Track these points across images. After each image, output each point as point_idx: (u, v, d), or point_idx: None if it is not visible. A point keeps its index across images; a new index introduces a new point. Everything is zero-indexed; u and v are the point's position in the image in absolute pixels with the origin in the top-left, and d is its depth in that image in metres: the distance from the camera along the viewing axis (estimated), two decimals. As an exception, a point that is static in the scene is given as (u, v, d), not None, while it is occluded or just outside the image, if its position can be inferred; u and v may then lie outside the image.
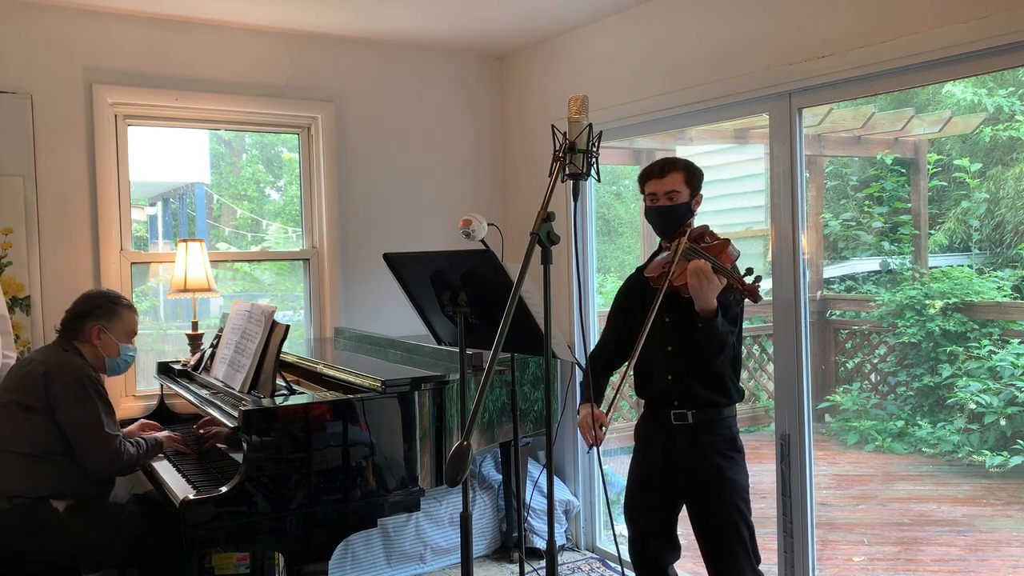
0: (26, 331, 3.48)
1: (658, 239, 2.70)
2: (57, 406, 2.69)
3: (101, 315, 2.89)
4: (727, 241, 2.50)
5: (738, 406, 2.67)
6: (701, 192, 2.65)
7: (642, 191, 2.67)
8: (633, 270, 2.83)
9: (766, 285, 2.82)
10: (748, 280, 2.33)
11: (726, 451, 2.57)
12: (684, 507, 2.67)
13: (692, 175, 2.62)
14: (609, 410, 2.50)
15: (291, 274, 4.68)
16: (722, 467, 2.55)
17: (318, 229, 4.22)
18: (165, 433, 3.08)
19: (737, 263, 2.45)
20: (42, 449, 2.69)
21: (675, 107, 3.56)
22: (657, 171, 2.61)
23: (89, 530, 2.71)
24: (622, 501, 2.79)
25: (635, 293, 2.69)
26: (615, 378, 2.79)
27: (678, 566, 2.77)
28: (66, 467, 2.71)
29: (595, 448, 2.48)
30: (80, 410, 2.70)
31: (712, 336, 2.42)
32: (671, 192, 2.58)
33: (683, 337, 2.54)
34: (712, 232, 2.57)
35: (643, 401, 2.75)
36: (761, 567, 2.60)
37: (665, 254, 2.59)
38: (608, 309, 2.88)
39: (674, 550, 2.72)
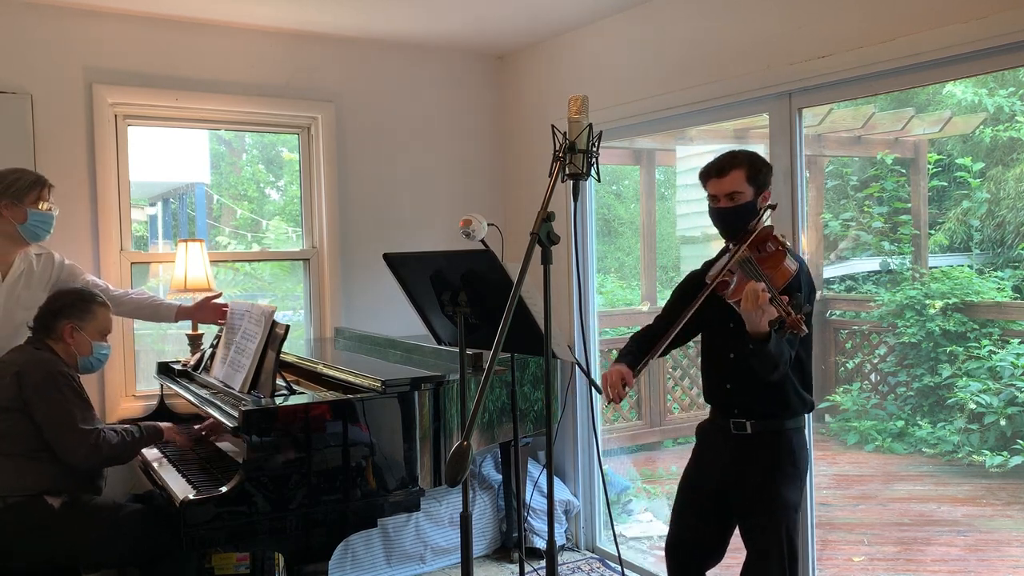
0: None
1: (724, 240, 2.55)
2: (31, 404, 2.68)
3: (74, 313, 2.85)
4: (783, 253, 2.28)
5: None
6: (769, 188, 2.46)
7: (704, 188, 2.49)
8: (634, 270, 2.81)
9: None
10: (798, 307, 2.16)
11: (784, 466, 2.44)
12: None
13: (756, 171, 2.42)
14: (637, 374, 2.43)
15: (291, 274, 4.68)
16: (776, 483, 2.42)
17: (318, 229, 4.22)
18: (168, 424, 3.07)
19: (797, 278, 2.30)
20: (25, 448, 2.69)
21: (675, 107, 3.56)
22: (716, 171, 2.44)
23: (89, 530, 2.71)
24: (622, 501, 2.78)
25: (692, 292, 2.49)
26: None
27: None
28: (53, 463, 2.71)
29: (611, 405, 2.39)
30: (53, 407, 2.69)
31: (763, 358, 2.24)
32: (732, 193, 2.40)
33: (745, 348, 2.33)
34: (775, 236, 2.34)
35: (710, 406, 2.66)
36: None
37: (726, 258, 2.42)
38: (609, 309, 2.85)
39: (717, 554, 2.63)
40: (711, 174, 2.45)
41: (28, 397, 2.68)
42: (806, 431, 2.58)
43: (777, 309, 2.14)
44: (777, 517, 2.41)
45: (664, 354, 2.53)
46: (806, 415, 2.53)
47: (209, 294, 3.47)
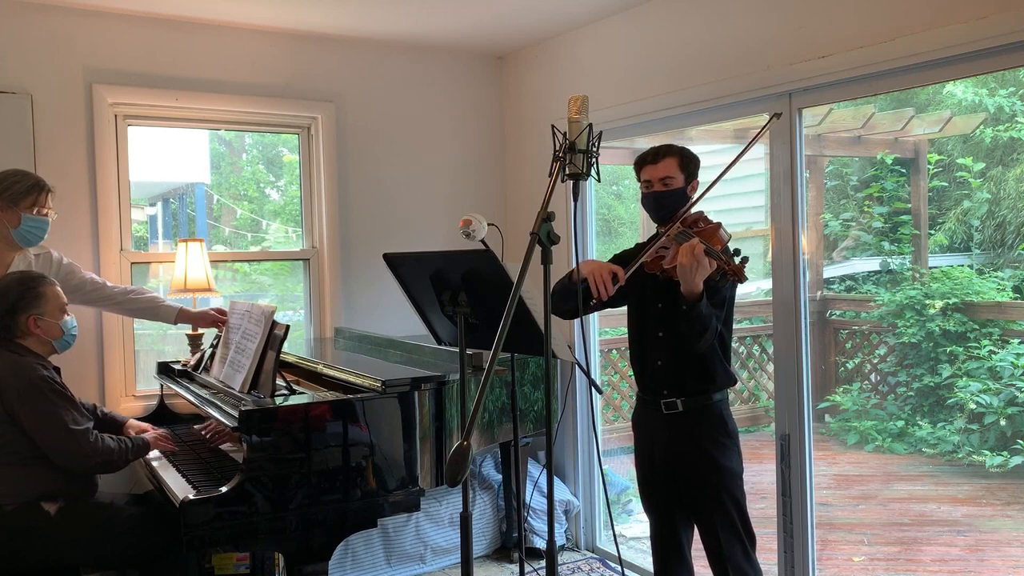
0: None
1: (655, 227, 2.70)
2: (17, 416, 2.64)
3: (28, 305, 2.76)
4: (718, 224, 2.50)
5: (739, 406, 2.66)
6: (697, 178, 2.64)
7: (638, 178, 2.67)
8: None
9: (765, 285, 2.81)
10: (735, 261, 2.33)
11: (718, 437, 2.57)
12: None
13: (687, 161, 2.61)
14: (628, 272, 2.46)
15: (291, 274, 4.68)
16: (714, 455, 2.55)
17: (318, 229, 4.22)
18: (152, 433, 3.06)
19: (728, 245, 2.46)
20: (16, 456, 2.66)
21: (675, 107, 3.56)
22: (651, 157, 2.61)
23: (88, 531, 2.71)
24: (622, 501, 2.80)
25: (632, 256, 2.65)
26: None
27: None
28: (46, 469, 2.68)
29: (596, 308, 2.50)
30: (40, 415, 2.64)
31: (695, 318, 2.38)
32: (665, 178, 2.57)
33: (675, 324, 2.51)
34: (706, 218, 2.56)
35: (638, 391, 2.76)
36: (762, 567, 2.60)
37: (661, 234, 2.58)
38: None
39: (689, 530, 2.73)
40: (646, 161, 2.63)
41: (13, 409, 2.64)
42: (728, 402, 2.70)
43: (716, 261, 2.28)
44: (720, 485, 2.53)
45: (600, 309, 2.69)
46: (728, 388, 2.65)
47: (214, 308, 3.47)
